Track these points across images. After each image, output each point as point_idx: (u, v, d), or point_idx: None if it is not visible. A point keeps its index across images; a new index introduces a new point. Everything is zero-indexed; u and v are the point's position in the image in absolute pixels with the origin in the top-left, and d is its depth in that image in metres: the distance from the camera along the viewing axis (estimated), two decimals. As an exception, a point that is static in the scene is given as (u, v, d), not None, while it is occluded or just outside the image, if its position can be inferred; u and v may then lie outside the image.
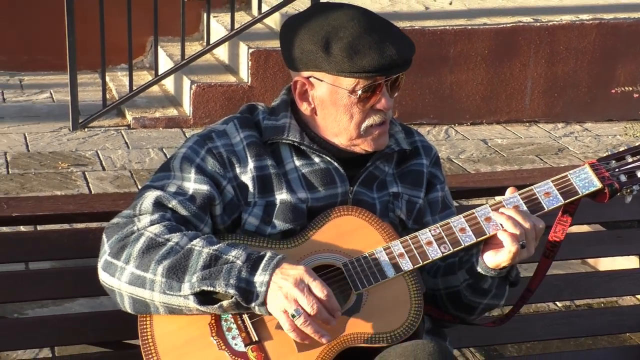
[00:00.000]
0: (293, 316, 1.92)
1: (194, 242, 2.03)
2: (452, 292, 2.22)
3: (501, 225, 2.06)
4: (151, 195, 2.11)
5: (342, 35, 2.10)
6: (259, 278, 1.96)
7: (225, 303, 1.97)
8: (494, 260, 2.09)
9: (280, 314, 1.94)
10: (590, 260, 4.17)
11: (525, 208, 2.10)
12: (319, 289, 1.94)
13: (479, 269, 2.12)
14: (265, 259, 1.99)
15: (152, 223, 2.06)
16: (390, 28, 2.15)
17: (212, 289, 1.96)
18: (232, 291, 1.94)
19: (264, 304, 1.95)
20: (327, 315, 1.94)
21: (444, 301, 2.24)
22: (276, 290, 1.94)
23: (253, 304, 1.96)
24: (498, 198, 2.13)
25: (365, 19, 2.13)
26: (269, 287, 1.95)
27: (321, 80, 2.15)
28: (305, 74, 2.17)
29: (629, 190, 2.14)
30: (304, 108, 2.21)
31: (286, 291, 1.93)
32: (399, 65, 2.11)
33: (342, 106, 2.15)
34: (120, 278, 2.02)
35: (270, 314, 1.97)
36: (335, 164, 2.21)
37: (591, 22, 6.47)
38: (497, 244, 2.08)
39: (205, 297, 1.98)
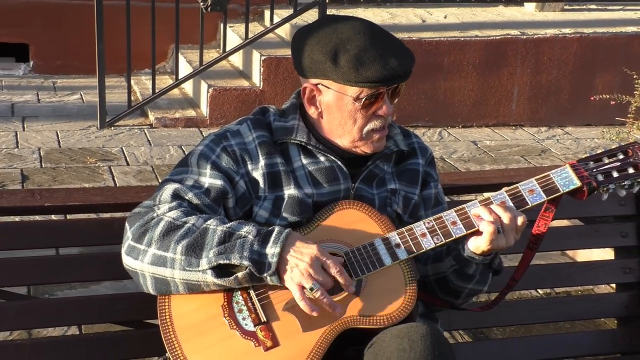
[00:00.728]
0: (311, 289, 1.96)
1: (209, 222, 2.04)
2: (439, 277, 2.22)
3: (488, 221, 2.06)
4: (170, 188, 2.11)
5: (349, 47, 2.10)
6: (270, 250, 1.98)
7: (240, 275, 1.98)
8: (474, 244, 2.10)
9: (294, 286, 1.97)
10: (570, 252, 4.16)
11: (511, 204, 2.10)
12: (333, 266, 1.98)
13: (465, 255, 2.13)
14: (275, 233, 2.01)
15: (170, 209, 2.07)
16: (394, 41, 2.15)
17: (227, 261, 1.97)
18: (246, 262, 1.96)
19: (275, 273, 1.97)
20: (342, 287, 1.98)
21: (432, 286, 2.24)
22: (293, 267, 1.97)
23: (265, 274, 1.97)
24: (486, 194, 2.13)
25: (370, 32, 2.13)
26: (279, 258, 1.97)
27: (328, 88, 2.15)
28: (314, 81, 2.17)
29: (605, 189, 2.15)
30: (312, 112, 2.21)
31: (302, 268, 1.96)
32: (400, 76, 2.12)
33: (346, 112, 2.15)
34: (143, 260, 2.03)
35: (280, 283, 1.98)
36: (339, 162, 2.20)
37: (573, 35, 6.46)
38: (480, 232, 2.09)
39: (221, 271, 1.99)
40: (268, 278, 1.98)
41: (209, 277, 1.99)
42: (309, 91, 2.19)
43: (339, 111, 2.16)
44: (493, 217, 2.06)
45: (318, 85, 2.16)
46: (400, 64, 2.10)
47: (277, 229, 2.02)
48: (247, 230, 2.01)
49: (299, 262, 1.97)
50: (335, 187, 2.20)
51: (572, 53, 6.46)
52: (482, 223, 2.07)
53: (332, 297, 2.00)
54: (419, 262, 2.27)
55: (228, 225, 2.03)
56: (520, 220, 2.08)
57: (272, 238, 2.00)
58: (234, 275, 1.99)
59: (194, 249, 2.00)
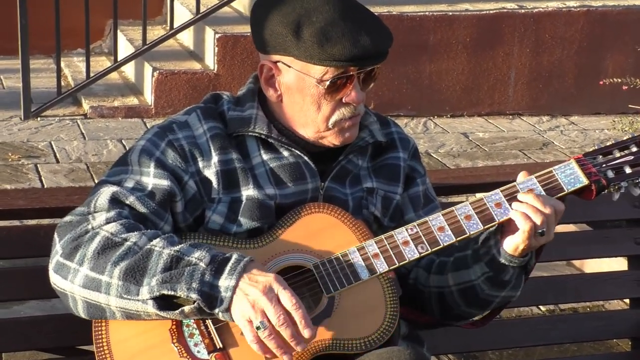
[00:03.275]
0: (258, 328, 1.91)
1: (154, 242, 2.01)
2: (465, 287, 2.21)
3: (523, 214, 2.06)
4: (107, 191, 2.09)
5: (315, 19, 2.09)
6: (224, 282, 1.94)
7: (186, 308, 1.95)
8: (512, 243, 2.09)
9: (244, 322, 1.93)
10: (576, 262, 4.20)
11: (502, 199, 2.09)
12: (288, 299, 1.93)
13: (502, 260, 2.13)
14: (232, 261, 1.97)
15: (107, 221, 2.04)
16: (368, 16, 2.14)
17: (173, 293, 1.94)
18: (194, 296, 1.93)
19: (228, 309, 1.94)
20: (293, 331, 1.92)
21: (454, 298, 2.24)
22: (242, 297, 1.93)
23: (217, 310, 1.95)
24: (479, 195, 2.14)
25: (340, 3, 2.12)
26: (234, 292, 1.93)
27: (289, 66, 2.14)
28: (274, 57, 2.16)
29: (616, 187, 2.16)
30: (270, 94, 2.20)
31: (253, 299, 1.92)
32: (372, 57, 2.11)
33: (309, 96, 2.14)
34: (74, 281, 2.00)
35: (234, 320, 1.95)
36: (305, 157, 2.20)
37: (579, 9, 6.51)
38: (512, 231, 2.09)
39: (165, 302, 1.96)
40: (220, 314, 1.96)
41: (150, 308, 1.97)
42: (267, 70, 2.18)
43: (301, 94, 2.15)
44: (540, 218, 2.05)
45: (278, 64, 2.15)
46: (373, 41, 2.09)
47: (234, 257, 1.98)
48: (199, 256, 1.98)
49: (251, 291, 1.93)
50: (302, 187, 2.19)
51: (577, 30, 6.52)
52: (517, 218, 2.06)
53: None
54: (425, 271, 2.28)
55: (176, 248, 2.00)
56: (560, 209, 2.08)
57: (228, 268, 1.97)
58: (180, 309, 1.96)
59: (133, 274, 1.97)
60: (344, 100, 2.14)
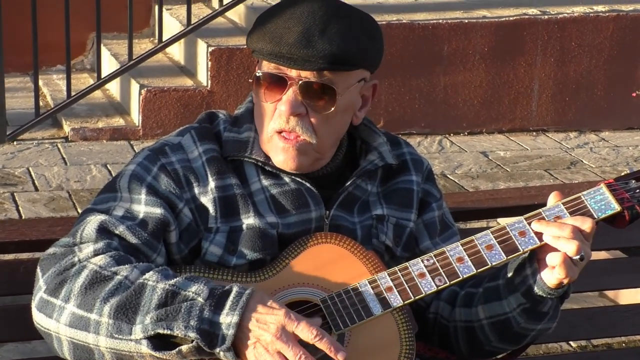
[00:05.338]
0: None
1: (147, 275, 2.02)
2: (499, 320, 2.22)
3: (555, 239, 2.07)
4: (94, 220, 2.10)
5: (282, 10, 2.15)
6: (226, 319, 1.95)
7: (184, 348, 1.96)
8: (551, 278, 2.10)
9: None
10: (610, 293, 4.20)
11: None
12: (307, 332, 1.95)
13: (538, 291, 2.13)
14: (232, 295, 1.98)
15: (95, 253, 2.05)
16: (339, 21, 2.14)
17: (169, 331, 1.95)
18: (192, 334, 1.94)
19: (230, 349, 1.95)
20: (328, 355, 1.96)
21: (485, 333, 2.24)
22: (254, 342, 1.95)
23: (217, 349, 1.95)
24: (501, 221, 2.15)
25: (320, 8, 2.15)
26: (238, 330, 1.95)
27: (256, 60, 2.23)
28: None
29: (651, 214, 2.17)
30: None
31: (267, 343, 1.95)
32: (296, 59, 2.11)
33: (255, 94, 2.20)
34: (59, 319, 2.01)
35: None
36: (307, 184, 2.21)
37: (607, 14, 6.53)
38: (547, 258, 2.10)
39: (161, 341, 1.97)
40: (221, 354, 1.96)
41: (144, 349, 1.97)
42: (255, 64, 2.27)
43: (255, 93, 2.22)
44: (577, 244, 2.05)
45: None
46: (303, 43, 2.10)
47: (235, 289, 1.99)
48: (197, 290, 1.99)
49: (262, 334, 1.95)
50: (305, 216, 2.21)
51: (607, 36, 6.54)
52: (559, 245, 2.06)
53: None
54: (447, 304, 2.29)
55: (172, 281, 2.01)
56: (587, 225, 2.08)
57: (229, 302, 1.97)
58: (177, 349, 1.97)
59: (125, 312, 1.97)
60: (277, 107, 2.16)
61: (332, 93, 2.14)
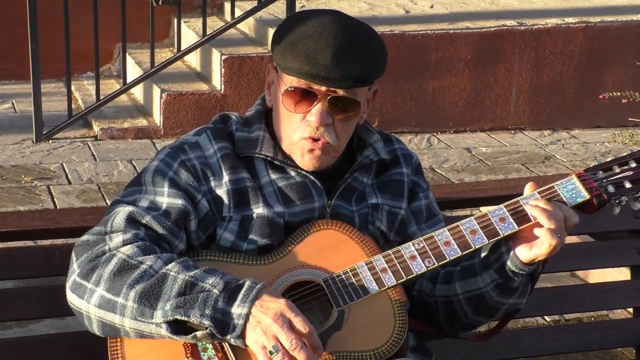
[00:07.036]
0: (271, 353, 1.92)
1: (169, 266, 2.02)
2: (474, 295, 2.22)
3: (534, 218, 2.08)
4: (123, 211, 2.11)
5: (306, 31, 2.13)
6: (237, 310, 1.96)
7: (199, 333, 1.96)
8: (528, 255, 2.10)
9: (258, 349, 1.95)
10: (580, 273, 4.20)
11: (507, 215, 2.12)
12: (301, 325, 1.94)
13: (512, 267, 2.14)
14: (244, 288, 1.98)
15: (124, 243, 2.06)
16: (361, 44, 2.14)
17: (186, 318, 1.95)
18: (207, 322, 1.94)
19: (240, 336, 1.95)
20: (308, 354, 1.93)
21: (462, 306, 2.24)
22: (254, 325, 1.95)
23: (229, 336, 1.96)
24: (484, 209, 2.15)
25: (338, 27, 2.13)
26: (247, 320, 1.95)
27: (276, 70, 2.21)
28: (273, 61, 2.22)
29: (617, 202, 2.17)
30: (268, 99, 2.26)
31: (265, 326, 1.94)
32: (332, 79, 2.10)
33: (279, 103, 2.18)
34: (90, 301, 2.02)
35: (247, 346, 1.97)
36: (312, 177, 2.22)
37: (577, 25, 6.53)
38: (525, 237, 2.10)
39: (178, 326, 1.97)
40: (232, 340, 1.97)
41: (163, 332, 1.98)
42: (267, 71, 2.25)
43: (277, 100, 2.20)
44: (555, 225, 2.06)
45: (273, 64, 2.21)
46: (338, 65, 2.09)
47: (247, 283, 1.99)
48: (213, 283, 1.99)
49: (263, 318, 1.95)
50: (309, 205, 2.21)
51: (577, 45, 6.53)
52: (541, 232, 2.07)
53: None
54: (430, 282, 2.29)
55: (191, 273, 2.01)
56: (574, 220, 2.10)
57: (241, 295, 1.97)
58: (192, 334, 1.97)
59: (148, 298, 1.98)
60: (307, 118, 2.16)
61: (356, 105, 2.16)
